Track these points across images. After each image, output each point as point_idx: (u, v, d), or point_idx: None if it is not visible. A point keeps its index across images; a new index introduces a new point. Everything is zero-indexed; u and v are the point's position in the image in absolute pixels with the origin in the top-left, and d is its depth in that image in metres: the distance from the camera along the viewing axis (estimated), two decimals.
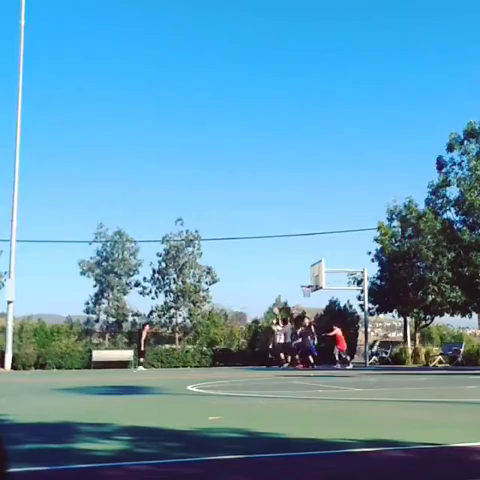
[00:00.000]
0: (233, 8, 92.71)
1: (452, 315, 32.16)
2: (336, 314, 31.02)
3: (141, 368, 24.21)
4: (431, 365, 27.08)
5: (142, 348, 25.35)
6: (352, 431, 5.73)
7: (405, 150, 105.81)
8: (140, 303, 49.02)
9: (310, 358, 25.02)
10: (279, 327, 26.35)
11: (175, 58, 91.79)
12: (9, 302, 25.93)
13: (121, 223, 69.61)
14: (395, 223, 32.10)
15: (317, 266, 28.47)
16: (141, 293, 33.18)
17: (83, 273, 33.33)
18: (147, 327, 26.48)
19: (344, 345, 25.89)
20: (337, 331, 26.00)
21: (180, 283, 32.57)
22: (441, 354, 28.52)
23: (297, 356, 25.71)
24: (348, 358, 25.95)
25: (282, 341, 26.07)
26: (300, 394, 11.41)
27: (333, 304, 31.64)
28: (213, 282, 33.03)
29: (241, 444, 5.24)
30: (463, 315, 31.30)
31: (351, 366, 25.11)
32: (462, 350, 27.22)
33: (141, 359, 25.06)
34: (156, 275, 32.93)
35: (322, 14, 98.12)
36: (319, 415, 7.68)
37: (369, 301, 29.89)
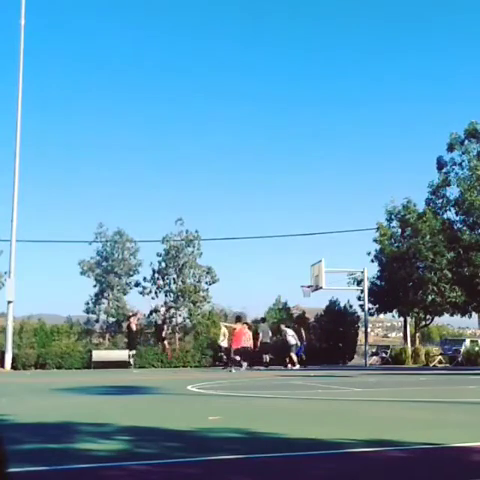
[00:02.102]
0: (233, 8, 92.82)
1: (452, 315, 32.20)
2: (336, 314, 31.05)
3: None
4: (431, 365, 27.09)
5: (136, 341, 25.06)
6: (352, 431, 5.73)
7: (405, 150, 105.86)
8: (140, 303, 49.13)
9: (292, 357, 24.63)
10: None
11: (175, 58, 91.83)
12: (9, 302, 25.92)
13: (121, 223, 69.86)
14: (394, 223, 32.12)
15: (317, 266, 28.47)
16: (141, 293, 33.19)
17: (83, 273, 33.33)
18: (132, 319, 26.14)
19: (239, 344, 23.07)
20: (239, 327, 23.55)
21: (180, 283, 32.56)
22: (441, 354, 28.53)
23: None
24: (238, 358, 23.14)
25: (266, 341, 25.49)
26: (300, 394, 11.40)
27: (333, 304, 31.65)
28: (213, 282, 33.01)
29: (241, 444, 5.23)
30: (463, 315, 31.32)
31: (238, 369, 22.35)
32: (462, 350, 27.22)
33: (132, 352, 24.80)
34: (156, 275, 32.93)
35: (322, 15, 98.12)
36: (319, 415, 7.68)
37: (369, 301, 29.92)
